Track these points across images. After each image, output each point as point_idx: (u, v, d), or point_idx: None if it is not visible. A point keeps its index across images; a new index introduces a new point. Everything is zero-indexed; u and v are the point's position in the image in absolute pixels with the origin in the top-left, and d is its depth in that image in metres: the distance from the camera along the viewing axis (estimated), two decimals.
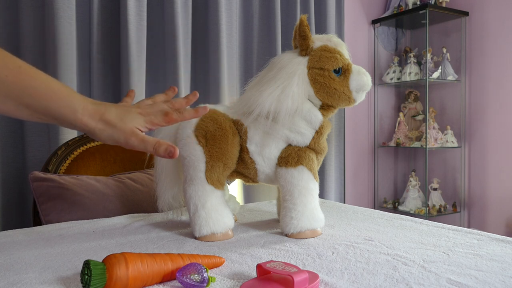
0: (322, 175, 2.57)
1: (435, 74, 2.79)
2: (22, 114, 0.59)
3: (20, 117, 0.60)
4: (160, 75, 2.07)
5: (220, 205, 0.97)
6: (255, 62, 2.34)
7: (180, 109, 0.68)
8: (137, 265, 0.64)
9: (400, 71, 3.02)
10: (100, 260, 0.74)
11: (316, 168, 1.01)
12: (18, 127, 1.75)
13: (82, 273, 0.61)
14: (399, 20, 3.00)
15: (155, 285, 0.66)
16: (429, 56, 2.78)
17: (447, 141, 2.86)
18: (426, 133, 2.79)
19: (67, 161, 1.49)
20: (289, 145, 0.99)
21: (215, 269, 0.73)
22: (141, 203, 1.36)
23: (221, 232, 0.95)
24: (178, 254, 0.70)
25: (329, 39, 1.00)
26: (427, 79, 2.75)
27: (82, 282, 0.61)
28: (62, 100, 0.60)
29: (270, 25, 2.34)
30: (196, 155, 0.96)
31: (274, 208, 1.33)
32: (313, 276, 0.65)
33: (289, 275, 0.61)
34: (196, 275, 0.64)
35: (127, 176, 1.44)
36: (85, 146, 1.54)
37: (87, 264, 0.61)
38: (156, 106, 0.68)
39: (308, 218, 0.95)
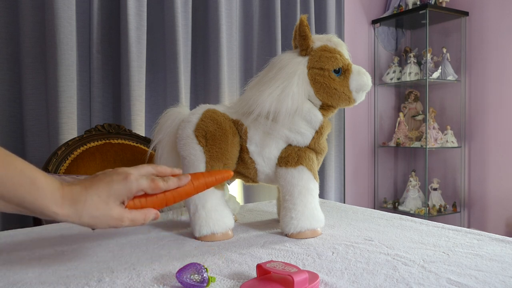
0: (322, 175, 2.57)
1: (435, 74, 2.79)
2: None
3: None
4: (160, 75, 2.07)
5: (220, 205, 0.97)
6: (255, 62, 2.34)
7: (165, 177, 0.67)
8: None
9: (400, 71, 3.02)
10: (100, 261, 0.74)
11: (316, 168, 1.01)
12: (18, 127, 1.75)
13: None
14: (399, 20, 3.00)
15: (154, 285, 0.66)
16: (429, 56, 2.78)
17: (447, 141, 2.86)
18: (426, 133, 2.79)
19: (67, 161, 1.49)
20: (289, 145, 0.99)
21: (215, 269, 0.73)
22: None
23: (221, 232, 0.95)
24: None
25: (329, 39, 1.00)
26: (427, 79, 2.75)
27: None
28: (40, 190, 0.55)
29: (270, 25, 2.34)
30: (196, 155, 0.96)
31: (274, 208, 1.33)
32: (313, 276, 0.65)
33: (289, 275, 0.61)
34: (196, 275, 0.64)
35: None
36: (85, 146, 1.54)
37: None
38: (143, 169, 0.66)
39: (308, 218, 0.95)
